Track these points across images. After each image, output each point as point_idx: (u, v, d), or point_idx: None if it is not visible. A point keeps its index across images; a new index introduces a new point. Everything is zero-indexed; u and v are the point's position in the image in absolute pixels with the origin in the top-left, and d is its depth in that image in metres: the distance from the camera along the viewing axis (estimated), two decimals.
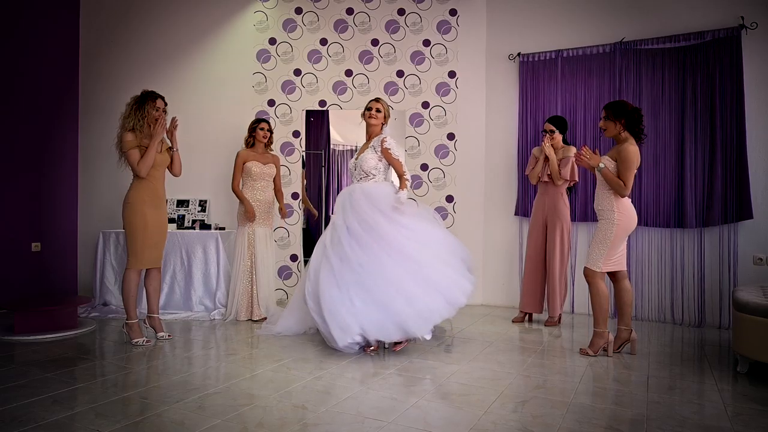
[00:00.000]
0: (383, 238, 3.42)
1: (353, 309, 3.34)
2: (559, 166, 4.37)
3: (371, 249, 3.41)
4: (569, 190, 4.59)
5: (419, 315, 3.30)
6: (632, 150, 3.38)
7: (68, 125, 5.75)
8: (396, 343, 3.50)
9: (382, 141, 3.65)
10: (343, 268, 3.44)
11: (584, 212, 4.93)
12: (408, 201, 3.70)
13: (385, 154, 3.64)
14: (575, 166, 4.40)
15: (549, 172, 4.41)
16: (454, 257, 3.63)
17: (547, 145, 4.39)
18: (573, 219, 4.93)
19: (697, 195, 4.51)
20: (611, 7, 4.92)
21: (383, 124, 3.77)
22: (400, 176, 3.65)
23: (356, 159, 3.78)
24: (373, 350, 3.49)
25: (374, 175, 3.66)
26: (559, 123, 4.47)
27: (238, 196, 4.62)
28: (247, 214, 4.56)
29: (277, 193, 4.81)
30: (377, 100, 3.76)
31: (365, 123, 3.79)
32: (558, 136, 4.45)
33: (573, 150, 4.41)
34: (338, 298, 3.37)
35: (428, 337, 3.40)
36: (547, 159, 4.42)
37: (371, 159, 3.65)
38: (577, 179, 4.47)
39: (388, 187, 3.69)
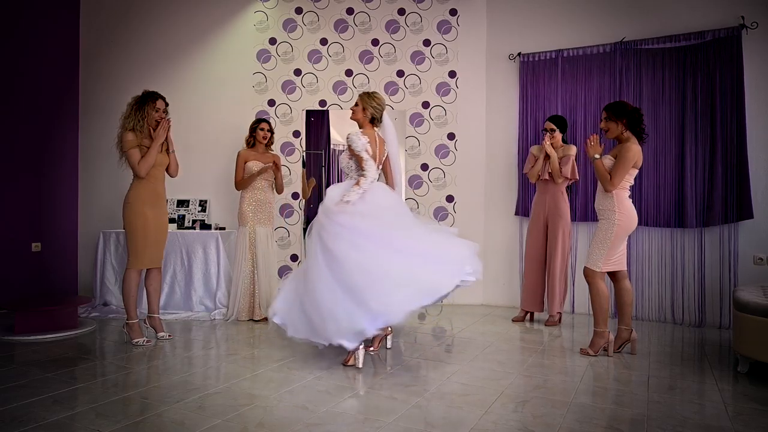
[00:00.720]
0: (319, 237, 3.30)
1: (295, 302, 3.30)
2: (559, 164, 4.38)
3: (314, 247, 3.33)
4: (568, 188, 4.60)
5: (323, 319, 3.05)
6: (634, 148, 3.39)
7: (68, 125, 5.75)
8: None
9: (347, 137, 3.49)
10: (304, 263, 3.49)
11: (584, 212, 4.93)
12: (372, 203, 3.35)
13: (350, 150, 3.46)
14: (575, 165, 4.42)
15: (550, 170, 4.42)
16: (430, 268, 3.20)
17: (547, 143, 4.41)
18: (573, 219, 4.93)
19: (698, 195, 4.51)
20: (611, 7, 4.92)
21: (366, 118, 3.54)
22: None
23: None
24: (373, 351, 3.49)
25: (347, 173, 3.51)
26: (560, 122, 4.49)
27: (246, 183, 4.59)
28: (263, 169, 4.58)
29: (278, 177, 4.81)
30: (360, 95, 3.59)
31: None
32: (558, 135, 4.47)
33: (573, 148, 4.44)
34: (288, 285, 3.39)
35: (346, 345, 3.02)
36: (547, 157, 4.43)
37: (344, 158, 3.53)
38: (577, 177, 4.49)
39: (342, 187, 3.45)
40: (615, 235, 3.42)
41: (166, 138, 3.82)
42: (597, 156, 3.47)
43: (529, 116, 5.17)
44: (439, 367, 3.24)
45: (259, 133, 4.67)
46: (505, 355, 3.50)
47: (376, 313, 2.98)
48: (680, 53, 4.60)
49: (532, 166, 4.54)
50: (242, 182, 4.61)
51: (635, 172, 3.47)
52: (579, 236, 5.01)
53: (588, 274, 3.50)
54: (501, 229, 5.35)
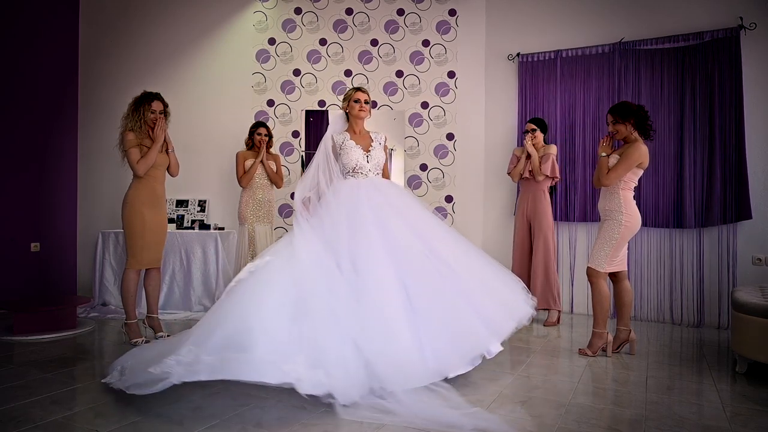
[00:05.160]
0: None
1: None
2: (540, 162, 4.43)
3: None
4: (552, 189, 4.65)
5: None
6: (641, 148, 3.39)
7: (68, 125, 5.75)
8: None
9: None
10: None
11: (584, 212, 4.93)
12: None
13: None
14: (555, 163, 4.48)
15: (530, 169, 4.48)
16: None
17: (529, 143, 4.50)
18: (573, 219, 4.95)
19: (697, 195, 4.51)
20: (610, 7, 4.93)
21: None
22: None
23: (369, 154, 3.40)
24: None
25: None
26: (540, 123, 4.60)
27: (248, 176, 4.64)
28: (259, 154, 4.67)
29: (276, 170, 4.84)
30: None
31: (359, 117, 3.40)
32: (539, 135, 4.55)
33: (554, 148, 4.53)
34: None
35: None
36: (529, 156, 4.49)
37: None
38: (558, 176, 4.51)
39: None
40: (621, 236, 3.42)
41: (165, 138, 3.83)
42: (604, 154, 3.49)
43: (528, 116, 5.16)
44: None
45: (255, 138, 4.73)
46: (504, 356, 3.50)
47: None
48: (679, 54, 4.60)
49: (515, 166, 4.62)
50: (244, 177, 4.65)
51: (640, 172, 3.47)
52: (578, 236, 5.02)
53: (591, 274, 3.50)
54: (500, 229, 5.35)
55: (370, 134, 3.46)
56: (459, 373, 2.77)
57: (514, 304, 3.11)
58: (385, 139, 3.50)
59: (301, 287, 2.69)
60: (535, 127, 4.56)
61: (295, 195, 3.16)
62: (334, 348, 2.53)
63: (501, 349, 2.95)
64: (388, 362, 2.54)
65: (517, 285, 3.27)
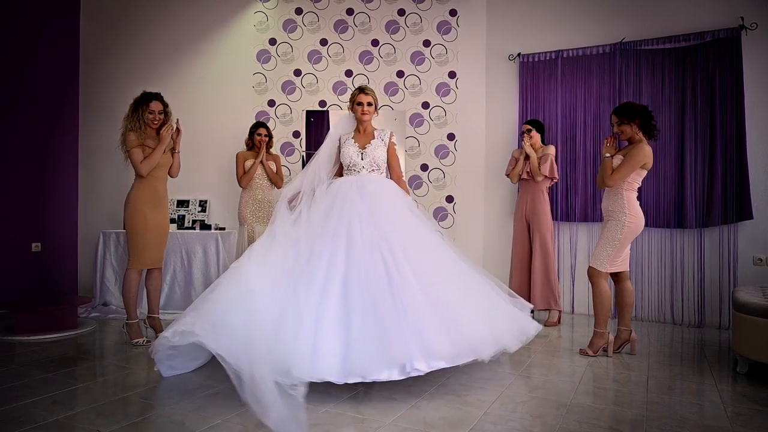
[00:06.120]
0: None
1: None
2: (539, 163, 4.45)
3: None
4: (551, 189, 4.69)
5: None
6: (646, 149, 3.39)
7: (68, 125, 5.75)
8: None
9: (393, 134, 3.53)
10: None
11: (584, 212, 4.93)
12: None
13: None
14: (554, 164, 4.50)
15: (528, 170, 4.50)
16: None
17: (527, 143, 4.52)
18: (573, 219, 4.95)
19: (697, 195, 4.51)
20: (611, 7, 4.93)
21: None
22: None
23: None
24: None
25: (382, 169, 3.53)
26: (536, 124, 4.62)
27: (248, 177, 4.64)
28: (259, 155, 4.67)
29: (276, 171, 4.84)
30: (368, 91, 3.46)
31: (362, 120, 3.43)
32: (536, 136, 4.57)
33: (552, 148, 4.54)
34: None
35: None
36: (527, 157, 4.52)
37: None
38: (557, 176, 4.53)
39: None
40: (624, 237, 3.41)
41: (174, 139, 3.83)
42: (608, 155, 3.49)
43: (528, 117, 5.16)
44: None
45: (255, 138, 4.74)
46: (504, 356, 3.49)
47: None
48: (680, 54, 4.60)
49: (513, 168, 4.65)
50: (244, 177, 4.66)
51: (644, 173, 3.47)
52: (579, 236, 5.02)
53: (592, 273, 3.50)
54: (501, 229, 5.35)
55: (375, 132, 3.48)
56: (380, 379, 2.58)
57: (477, 338, 2.82)
58: (391, 136, 3.49)
59: (248, 281, 2.80)
60: (530, 127, 4.58)
61: (284, 191, 3.26)
62: (238, 324, 2.57)
63: (425, 370, 2.62)
64: (292, 349, 2.50)
65: (499, 319, 3.04)
